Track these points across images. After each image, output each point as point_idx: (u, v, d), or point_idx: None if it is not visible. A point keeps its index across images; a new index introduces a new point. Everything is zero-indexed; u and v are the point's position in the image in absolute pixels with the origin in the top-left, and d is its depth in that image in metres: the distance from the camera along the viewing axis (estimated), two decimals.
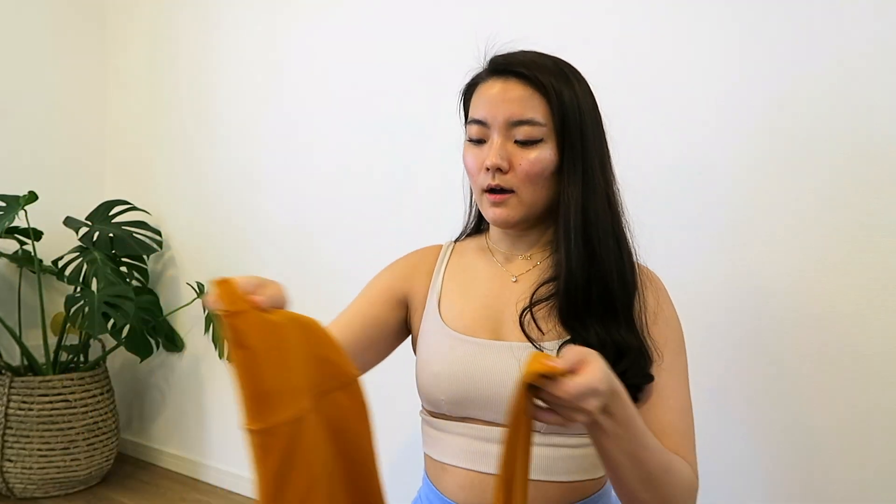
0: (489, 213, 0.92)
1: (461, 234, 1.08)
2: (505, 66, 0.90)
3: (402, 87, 1.91)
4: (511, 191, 0.89)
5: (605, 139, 0.94)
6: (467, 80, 0.97)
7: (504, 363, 0.88)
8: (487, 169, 0.89)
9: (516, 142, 0.88)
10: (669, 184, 1.48)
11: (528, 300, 0.90)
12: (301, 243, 2.16)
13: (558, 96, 0.88)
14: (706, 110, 1.44)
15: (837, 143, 1.30)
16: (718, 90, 1.42)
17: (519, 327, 0.89)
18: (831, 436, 1.30)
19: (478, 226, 1.07)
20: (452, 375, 0.91)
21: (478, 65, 0.95)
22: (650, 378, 0.86)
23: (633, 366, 0.85)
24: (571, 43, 1.59)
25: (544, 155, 0.88)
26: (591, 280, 0.86)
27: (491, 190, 0.90)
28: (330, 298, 2.09)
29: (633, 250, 0.92)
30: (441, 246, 1.07)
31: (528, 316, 0.89)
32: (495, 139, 0.89)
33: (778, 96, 1.36)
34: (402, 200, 1.92)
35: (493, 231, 1.01)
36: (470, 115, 0.93)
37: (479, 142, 0.91)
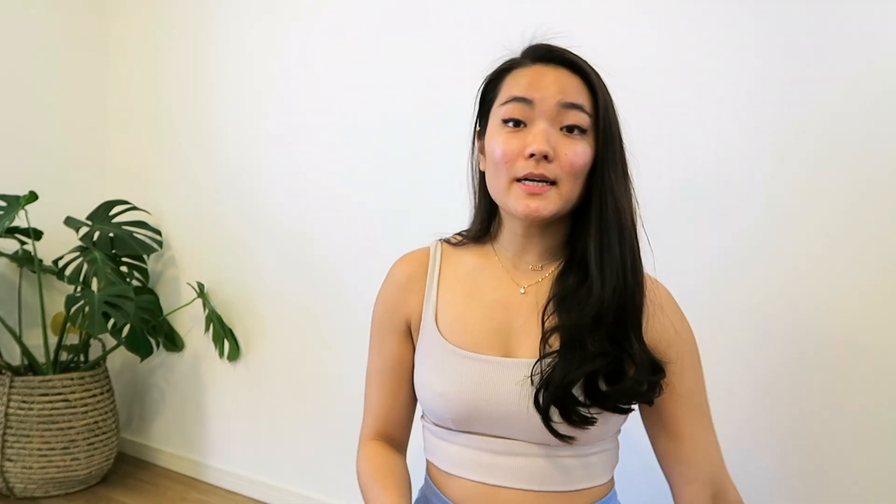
0: (520, 206, 0.83)
1: (463, 238, 0.99)
2: (551, 55, 0.86)
3: (402, 89, 1.91)
4: (553, 182, 0.82)
5: None
6: (496, 66, 0.91)
7: (515, 381, 0.84)
8: (532, 155, 0.81)
9: (562, 129, 0.83)
10: (686, 200, 1.45)
11: (540, 319, 0.85)
12: (300, 243, 2.16)
13: (601, 87, 0.85)
14: (724, 119, 1.40)
15: (881, 150, 1.25)
16: (737, 96, 1.38)
17: (530, 342, 0.86)
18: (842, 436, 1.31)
19: (486, 230, 0.97)
20: (460, 395, 0.86)
21: (506, 54, 0.91)
22: (652, 400, 0.86)
23: (651, 383, 0.84)
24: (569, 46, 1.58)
25: (587, 148, 0.84)
26: (628, 292, 0.82)
27: (529, 179, 0.82)
28: (328, 297, 2.10)
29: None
30: (427, 249, 0.98)
31: (527, 337, 0.86)
32: (539, 123, 0.82)
33: (806, 101, 1.31)
34: (401, 201, 1.92)
35: (506, 234, 0.93)
36: (507, 93, 0.85)
37: (516, 124, 0.84)
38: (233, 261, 2.34)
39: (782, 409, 1.36)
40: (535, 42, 0.90)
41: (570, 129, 0.83)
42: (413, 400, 0.98)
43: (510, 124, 0.84)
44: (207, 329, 2.34)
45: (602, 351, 0.81)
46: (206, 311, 2.32)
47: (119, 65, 2.70)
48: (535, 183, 0.82)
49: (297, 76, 2.15)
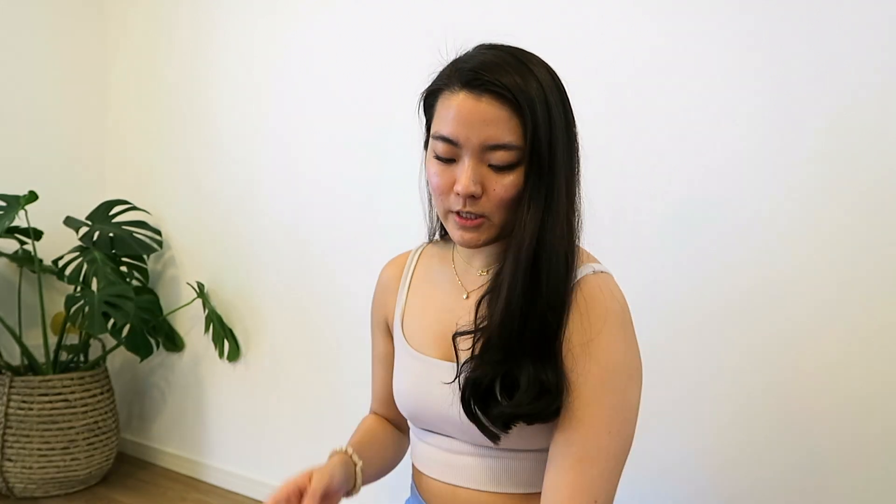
0: (456, 235, 0.84)
1: (431, 238, 1.01)
2: (478, 81, 0.79)
3: (403, 88, 1.91)
4: (482, 216, 0.81)
5: (574, 145, 0.84)
6: (429, 82, 0.88)
7: (448, 383, 0.86)
8: (458, 193, 0.80)
9: (490, 166, 0.80)
10: (682, 218, 1.44)
11: (470, 322, 0.84)
12: (301, 243, 2.16)
13: (532, 113, 0.78)
14: (723, 132, 1.39)
15: (882, 164, 1.24)
16: (735, 109, 1.38)
17: (468, 345, 0.84)
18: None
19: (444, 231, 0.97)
20: (408, 394, 0.92)
21: (440, 62, 0.87)
22: (556, 414, 0.80)
23: (551, 406, 0.79)
24: (556, 50, 1.58)
25: (518, 179, 0.80)
26: (529, 315, 0.79)
27: (459, 213, 0.82)
28: (328, 297, 2.10)
29: (573, 274, 0.83)
30: (409, 253, 1.01)
31: (464, 339, 0.84)
32: (467, 162, 0.79)
33: (808, 116, 1.31)
34: (400, 201, 1.92)
35: None
36: (436, 129, 0.83)
37: (447, 160, 0.82)
38: (233, 261, 2.34)
39: (779, 455, 1.36)
40: (465, 52, 0.85)
41: (497, 167, 0.80)
42: None
43: (440, 159, 0.83)
44: (207, 329, 2.34)
45: (495, 363, 0.80)
46: (206, 311, 2.32)
47: (119, 65, 2.70)
48: (468, 217, 0.82)
49: (297, 76, 2.15)
